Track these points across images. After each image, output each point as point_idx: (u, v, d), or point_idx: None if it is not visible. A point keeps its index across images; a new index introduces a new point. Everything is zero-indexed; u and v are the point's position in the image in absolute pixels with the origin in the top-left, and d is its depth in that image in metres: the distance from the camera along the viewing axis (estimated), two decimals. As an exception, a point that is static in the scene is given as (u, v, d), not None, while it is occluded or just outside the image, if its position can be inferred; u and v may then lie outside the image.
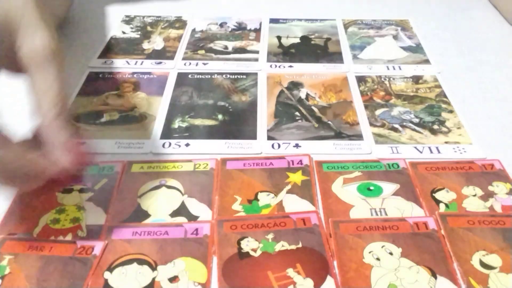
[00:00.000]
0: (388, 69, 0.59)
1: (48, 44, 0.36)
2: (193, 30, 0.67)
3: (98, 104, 0.53)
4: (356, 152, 0.46)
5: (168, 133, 0.49)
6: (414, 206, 0.41)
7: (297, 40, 0.65)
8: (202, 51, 0.63)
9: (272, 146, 0.47)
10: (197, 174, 0.44)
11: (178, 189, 0.42)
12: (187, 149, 0.47)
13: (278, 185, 0.42)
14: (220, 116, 0.51)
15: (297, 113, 0.52)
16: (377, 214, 0.40)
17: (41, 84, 0.35)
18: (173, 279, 0.35)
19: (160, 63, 0.60)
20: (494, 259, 0.36)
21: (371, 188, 0.42)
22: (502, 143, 0.48)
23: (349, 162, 0.45)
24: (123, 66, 0.59)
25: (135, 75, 0.57)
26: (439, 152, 0.46)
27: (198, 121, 0.50)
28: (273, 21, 0.70)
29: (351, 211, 0.40)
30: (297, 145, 0.47)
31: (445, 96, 0.54)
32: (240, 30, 0.68)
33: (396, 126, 0.50)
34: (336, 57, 0.62)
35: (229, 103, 0.53)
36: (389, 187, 0.42)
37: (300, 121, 0.51)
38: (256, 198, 0.41)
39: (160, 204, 0.41)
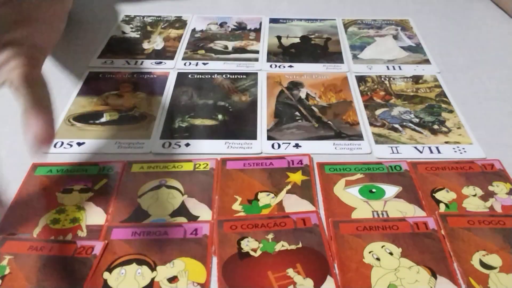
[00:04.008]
0: (388, 69, 0.59)
1: None
2: (193, 30, 0.67)
3: (98, 104, 0.53)
4: (356, 152, 0.46)
5: (168, 133, 0.49)
6: (416, 209, 0.40)
7: (297, 40, 0.65)
8: (202, 51, 0.63)
9: (272, 146, 0.47)
10: (197, 174, 0.43)
11: (178, 189, 0.42)
12: (187, 149, 0.47)
13: (278, 185, 0.42)
14: (220, 116, 0.51)
15: (297, 113, 0.52)
16: (379, 217, 0.40)
17: None
18: (172, 280, 0.35)
19: (160, 63, 0.60)
20: (494, 259, 0.36)
21: (373, 190, 0.42)
22: (502, 143, 0.48)
23: (351, 164, 0.45)
24: (123, 66, 0.59)
25: (135, 75, 0.57)
26: (439, 152, 0.46)
27: (198, 121, 0.50)
28: (273, 21, 0.70)
29: (353, 214, 0.40)
30: (297, 145, 0.47)
31: (445, 96, 0.54)
32: (240, 30, 0.68)
33: (396, 126, 0.50)
34: (336, 57, 0.62)
35: (229, 103, 0.53)
36: (391, 190, 0.42)
37: (300, 121, 0.51)
38: (256, 198, 0.41)
39: (160, 204, 0.41)
